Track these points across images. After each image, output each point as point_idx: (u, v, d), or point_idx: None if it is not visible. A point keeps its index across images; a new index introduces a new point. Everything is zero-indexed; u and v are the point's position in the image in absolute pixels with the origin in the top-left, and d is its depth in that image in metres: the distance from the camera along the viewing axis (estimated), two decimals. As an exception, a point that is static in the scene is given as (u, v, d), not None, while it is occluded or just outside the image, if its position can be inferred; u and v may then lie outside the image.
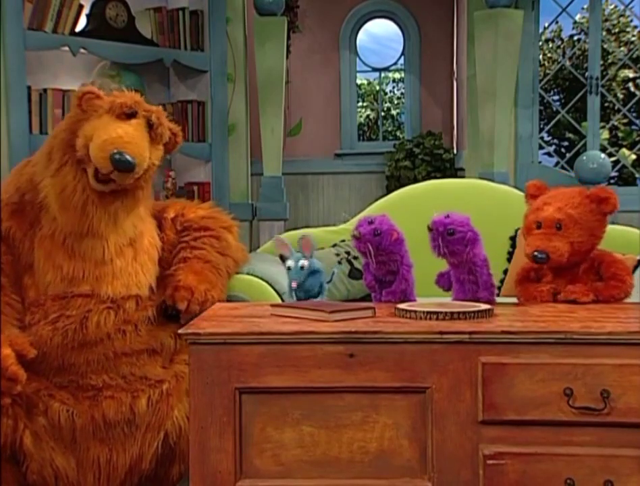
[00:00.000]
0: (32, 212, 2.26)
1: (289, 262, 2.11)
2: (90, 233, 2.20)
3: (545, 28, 7.06)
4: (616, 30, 9.15)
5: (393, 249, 2.01)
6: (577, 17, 7.69)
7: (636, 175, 6.75)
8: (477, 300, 1.91)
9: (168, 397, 2.23)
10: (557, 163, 6.37)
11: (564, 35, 9.33)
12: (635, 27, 9.03)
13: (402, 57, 6.79)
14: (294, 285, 2.08)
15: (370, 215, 2.04)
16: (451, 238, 1.90)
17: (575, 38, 9.15)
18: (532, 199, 2.09)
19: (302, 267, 2.08)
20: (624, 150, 8.41)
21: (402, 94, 8.54)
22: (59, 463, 2.15)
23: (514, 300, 2.06)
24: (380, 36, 7.31)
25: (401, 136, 7.45)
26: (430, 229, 1.92)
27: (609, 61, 8.60)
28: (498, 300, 2.04)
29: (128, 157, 2.11)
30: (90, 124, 2.17)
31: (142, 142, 2.18)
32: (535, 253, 1.94)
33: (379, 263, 2.02)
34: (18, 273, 2.25)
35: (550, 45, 9.35)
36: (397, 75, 8.86)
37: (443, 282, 2.06)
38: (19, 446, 2.11)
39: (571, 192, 2.02)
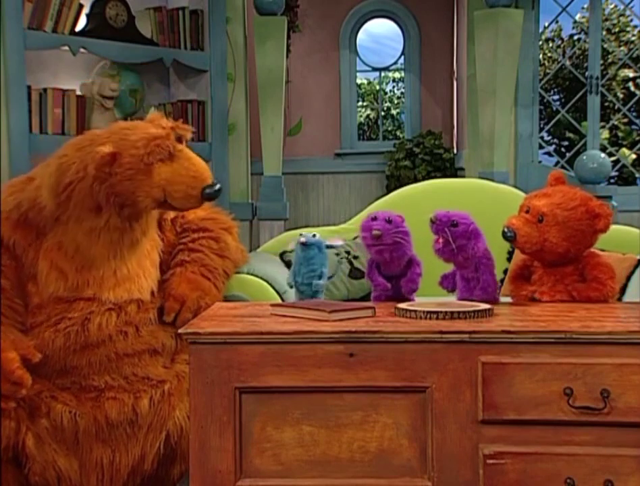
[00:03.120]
0: (36, 227, 2.24)
1: (303, 232, 2.16)
2: (116, 260, 2.22)
3: (545, 28, 7.03)
4: (616, 30, 9.15)
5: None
6: (577, 17, 7.69)
7: (636, 175, 6.75)
8: (486, 301, 1.91)
9: (170, 397, 2.23)
10: (557, 163, 6.37)
11: (564, 34, 9.33)
12: (635, 26, 9.02)
13: (402, 57, 6.78)
14: (302, 239, 2.11)
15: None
16: (455, 230, 1.90)
17: (575, 37, 9.14)
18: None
19: (314, 235, 2.12)
20: (624, 150, 8.40)
21: (402, 93, 8.54)
22: (62, 465, 2.15)
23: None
24: (380, 36, 7.31)
25: (401, 136, 7.45)
26: (433, 221, 1.92)
27: (609, 60, 8.59)
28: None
29: (217, 186, 2.17)
30: (150, 182, 2.14)
31: (199, 158, 2.22)
32: (505, 229, 1.98)
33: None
34: (21, 279, 2.24)
35: (550, 45, 9.34)
36: (397, 75, 8.86)
37: (447, 284, 2.06)
38: (22, 448, 2.11)
39: (574, 195, 2.01)
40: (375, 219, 2.01)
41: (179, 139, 2.21)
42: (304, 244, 2.14)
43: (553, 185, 2.08)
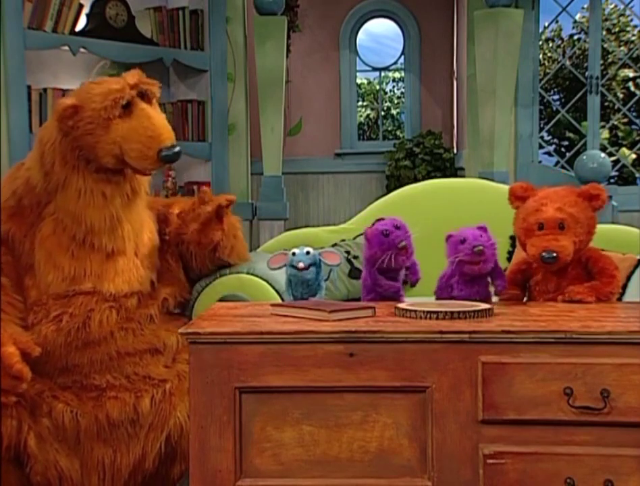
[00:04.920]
0: (31, 214, 2.26)
1: (295, 249, 2.11)
2: (113, 223, 2.21)
3: (545, 28, 7.03)
4: (616, 30, 9.15)
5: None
6: (577, 17, 7.69)
7: (636, 175, 6.75)
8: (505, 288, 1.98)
9: (171, 396, 2.23)
10: (557, 163, 6.37)
11: (564, 34, 9.33)
12: (635, 26, 9.03)
13: (402, 57, 6.79)
14: (300, 265, 2.07)
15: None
16: (486, 241, 1.92)
17: (575, 37, 9.15)
18: (519, 201, 2.08)
19: (307, 252, 2.09)
20: (624, 150, 8.40)
21: (402, 93, 8.54)
22: (63, 464, 2.15)
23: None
24: (380, 36, 7.32)
25: (401, 136, 7.45)
26: (479, 251, 1.91)
27: (609, 60, 8.60)
28: (497, 299, 2.04)
29: (175, 148, 2.13)
30: (108, 138, 2.13)
31: (162, 119, 2.18)
32: (544, 254, 1.94)
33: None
34: (19, 274, 2.25)
35: (550, 44, 9.34)
36: (397, 75, 8.87)
37: (442, 294, 2.06)
38: (23, 448, 2.11)
39: (563, 191, 2.03)
40: (387, 235, 1.98)
41: (147, 98, 2.20)
42: (302, 269, 2.08)
43: (524, 197, 2.07)
